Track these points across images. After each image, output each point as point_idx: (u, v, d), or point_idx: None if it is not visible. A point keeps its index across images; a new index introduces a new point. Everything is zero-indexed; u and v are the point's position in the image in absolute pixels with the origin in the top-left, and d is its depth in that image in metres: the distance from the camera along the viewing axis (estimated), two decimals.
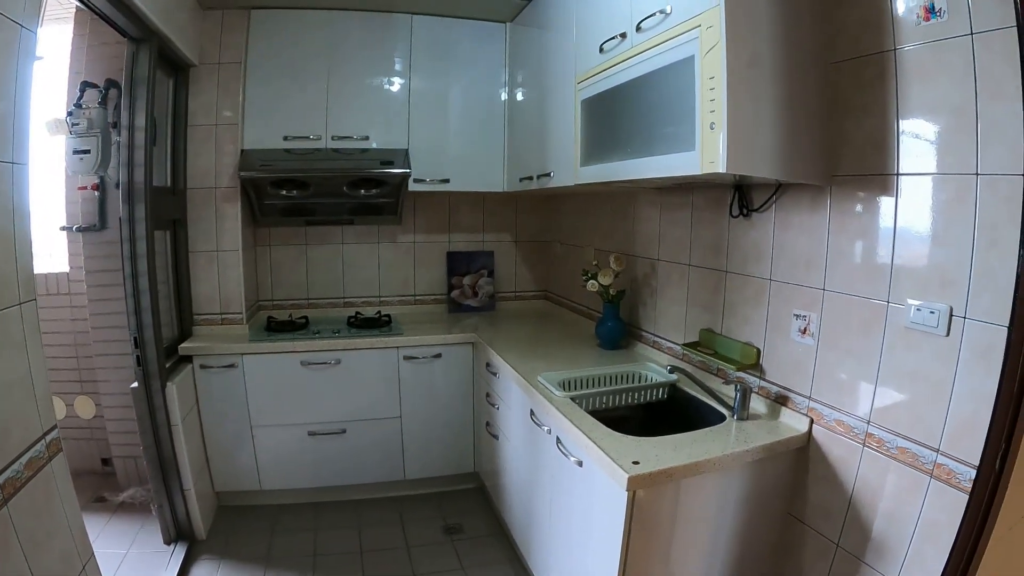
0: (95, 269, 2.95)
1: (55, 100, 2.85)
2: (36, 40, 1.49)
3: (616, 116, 1.95)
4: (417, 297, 3.54)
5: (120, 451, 3.12)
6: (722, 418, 1.87)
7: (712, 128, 1.45)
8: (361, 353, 2.87)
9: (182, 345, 2.76)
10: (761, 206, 1.89)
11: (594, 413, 1.90)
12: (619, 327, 2.66)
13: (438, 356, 2.95)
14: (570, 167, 2.30)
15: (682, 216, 2.34)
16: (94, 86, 2.71)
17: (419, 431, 3.02)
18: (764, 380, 1.90)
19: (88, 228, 2.92)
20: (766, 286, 1.88)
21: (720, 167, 1.44)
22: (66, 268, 3.09)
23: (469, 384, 3.03)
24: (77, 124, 2.59)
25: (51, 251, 3.08)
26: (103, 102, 2.68)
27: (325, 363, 2.84)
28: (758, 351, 1.91)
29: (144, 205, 2.41)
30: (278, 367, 2.82)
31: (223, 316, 2.98)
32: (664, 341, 2.47)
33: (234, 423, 2.85)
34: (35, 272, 1.52)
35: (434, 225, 3.53)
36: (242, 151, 2.90)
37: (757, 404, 1.89)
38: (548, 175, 2.54)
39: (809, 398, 1.73)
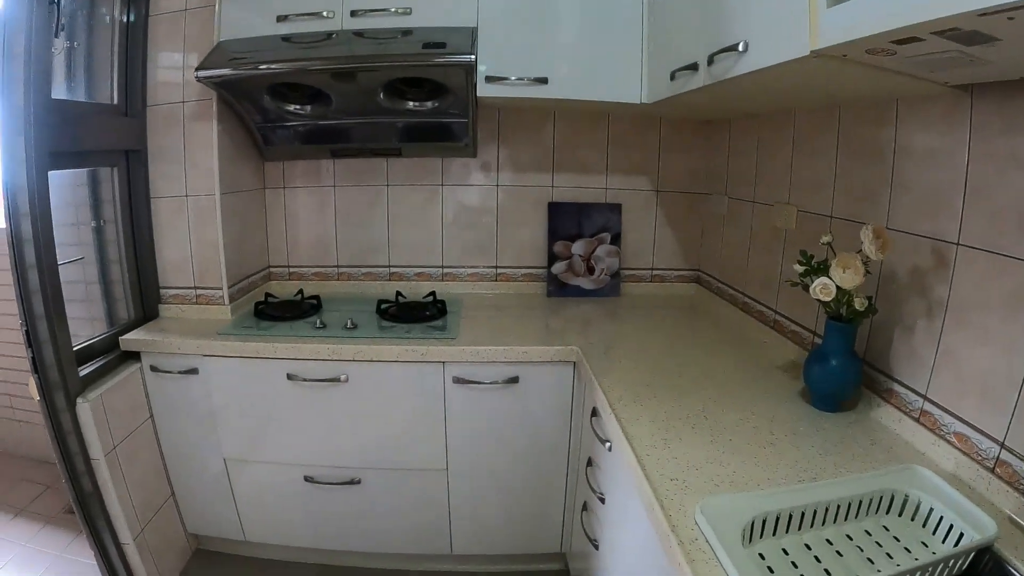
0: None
1: None
2: None
3: None
4: (500, 270, 2.34)
5: None
6: None
7: None
8: (382, 368, 1.77)
9: (123, 337, 1.84)
10: None
11: None
12: (853, 371, 1.28)
13: (513, 381, 1.77)
14: (795, 18, 0.92)
15: None
16: None
17: (476, 491, 1.90)
18: None
19: None
20: None
21: None
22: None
23: (563, 428, 1.82)
24: None
25: None
26: None
27: (322, 379, 1.79)
28: None
29: (27, 125, 1.48)
30: (255, 378, 1.81)
31: (198, 291, 2.02)
32: (948, 415, 1.09)
33: (201, 452, 1.92)
34: None
35: (529, 160, 2.26)
36: (217, 44, 1.84)
37: None
38: (735, 50, 1.15)
39: None
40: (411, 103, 2.05)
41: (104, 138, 1.83)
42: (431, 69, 1.84)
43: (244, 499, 1.96)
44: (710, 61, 1.28)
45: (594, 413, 1.53)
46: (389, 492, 1.91)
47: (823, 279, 1.24)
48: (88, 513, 1.76)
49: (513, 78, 1.81)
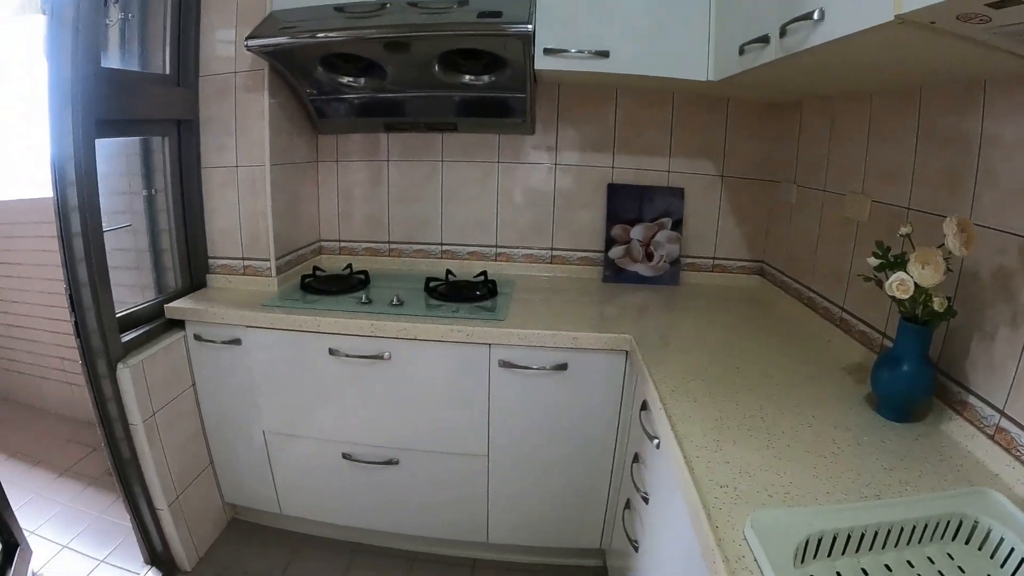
0: None
1: None
2: None
3: None
4: (554, 253, 2.25)
5: None
6: None
7: None
8: (425, 347, 1.70)
9: (168, 305, 1.83)
10: None
11: None
12: (926, 379, 1.15)
13: (561, 368, 1.68)
14: None
15: None
16: None
17: (517, 480, 1.83)
18: None
19: None
20: None
21: None
22: None
23: (611, 420, 1.73)
24: None
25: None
26: None
27: (364, 356, 1.74)
28: None
29: (74, 94, 1.47)
30: (297, 352, 1.78)
31: (246, 262, 1.99)
32: None
33: (241, 423, 1.90)
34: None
35: (589, 140, 2.15)
36: (269, 14, 1.79)
37: None
38: (809, 18, 1.02)
39: None
40: (467, 77, 1.97)
41: (155, 108, 1.81)
42: (486, 39, 1.75)
43: (282, 473, 1.94)
44: (782, 32, 1.15)
45: (644, 406, 1.43)
46: (427, 475, 1.86)
47: (900, 274, 1.11)
48: (125, 477, 1.76)
49: (573, 51, 1.70)
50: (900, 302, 1.13)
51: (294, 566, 1.94)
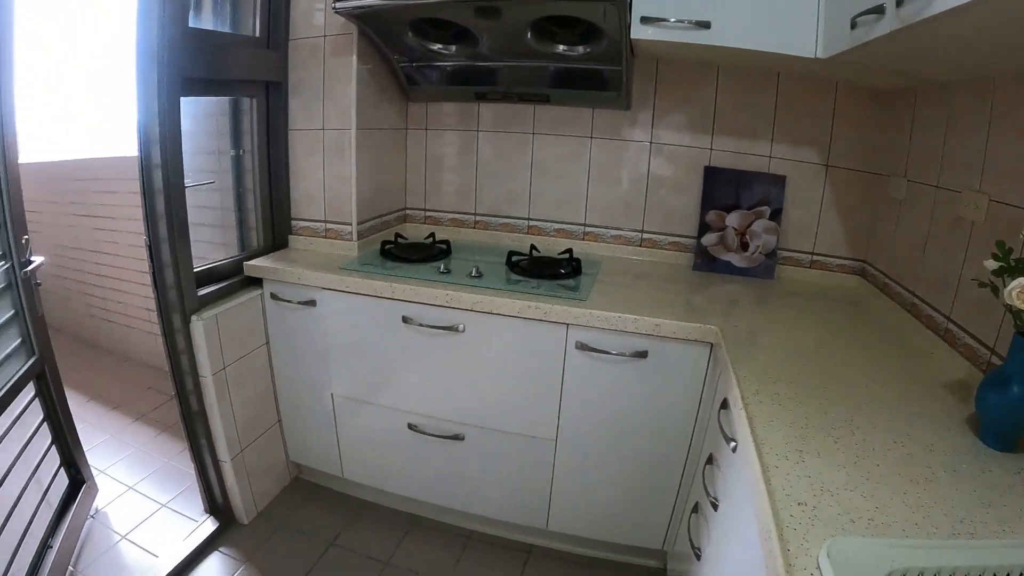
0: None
1: None
2: None
3: None
4: (645, 235, 2.15)
5: None
6: None
7: None
8: (502, 322, 1.65)
9: (248, 263, 1.85)
10: None
11: None
12: None
13: (640, 355, 1.59)
14: None
15: None
16: None
17: (583, 469, 1.76)
18: None
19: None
20: None
21: None
22: None
23: (688, 416, 1.63)
24: None
25: None
26: None
27: (438, 327, 1.70)
28: None
29: (160, 53, 1.48)
30: (371, 317, 1.76)
31: (327, 225, 1.99)
32: None
33: (311, 385, 1.91)
34: None
35: (687, 119, 2.04)
36: None
37: None
38: None
39: None
40: (561, 47, 1.89)
41: (244, 69, 1.82)
42: (581, 5, 1.66)
43: (347, 437, 1.94)
44: (899, 1, 1.01)
45: (724, 405, 1.33)
46: (492, 454, 1.81)
47: (1022, 280, 0.96)
48: (192, 428, 1.80)
49: (672, 20, 1.59)
50: (1017, 313, 0.98)
51: (349, 531, 1.94)
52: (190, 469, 1.92)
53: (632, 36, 1.63)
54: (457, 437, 1.81)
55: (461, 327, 1.68)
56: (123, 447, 2.39)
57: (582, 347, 1.62)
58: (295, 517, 1.99)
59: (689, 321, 1.54)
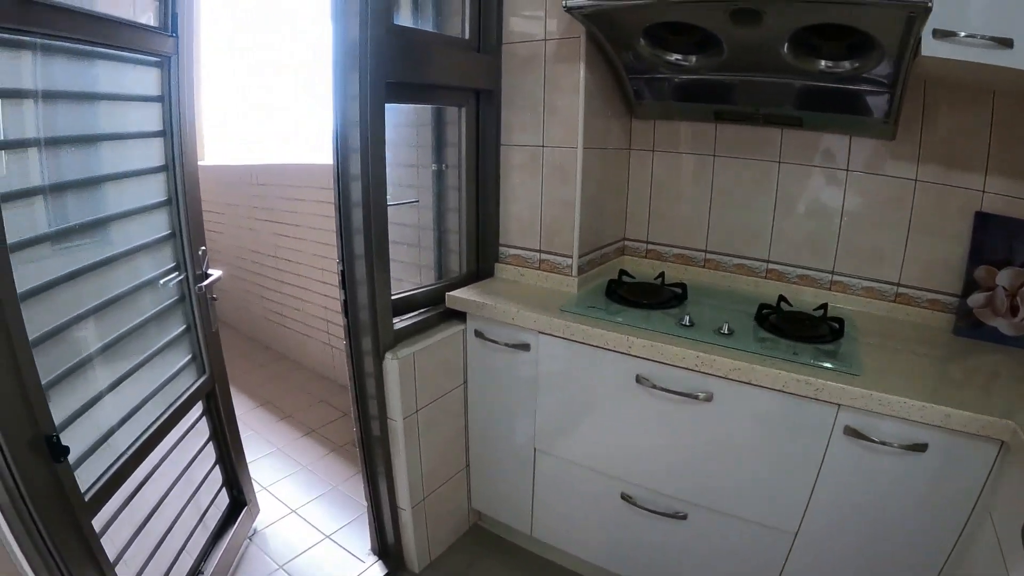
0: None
1: None
2: None
3: None
4: (900, 290, 1.79)
5: None
6: None
7: None
8: (753, 393, 1.38)
9: (451, 294, 1.69)
10: None
11: None
12: None
13: (919, 448, 1.27)
14: None
15: None
16: None
17: (819, 569, 1.45)
18: None
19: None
20: None
21: None
22: None
23: (953, 526, 1.26)
24: None
25: None
26: None
27: (680, 393, 1.45)
28: None
29: (363, 53, 1.34)
30: (596, 372, 1.54)
31: (543, 256, 1.80)
32: None
33: (511, 433, 1.74)
34: None
35: (955, 153, 1.65)
36: None
37: None
38: None
39: None
40: (823, 62, 1.59)
41: (452, 75, 1.66)
42: (865, 10, 1.34)
43: (544, 496, 1.75)
44: None
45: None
46: (715, 538, 1.55)
47: None
48: (372, 469, 1.67)
49: (962, 35, 1.24)
50: None
51: None
52: (360, 498, 1.80)
53: (923, 53, 1.31)
54: (678, 515, 1.56)
55: (709, 396, 1.42)
56: (289, 464, 2.33)
57: (852, 433, 1.32)
58: (474, 571, 1.83)
59: (981, 413, 1.20)
